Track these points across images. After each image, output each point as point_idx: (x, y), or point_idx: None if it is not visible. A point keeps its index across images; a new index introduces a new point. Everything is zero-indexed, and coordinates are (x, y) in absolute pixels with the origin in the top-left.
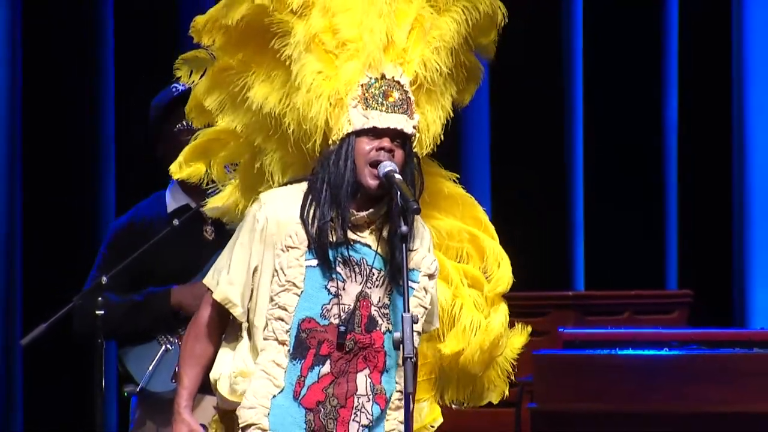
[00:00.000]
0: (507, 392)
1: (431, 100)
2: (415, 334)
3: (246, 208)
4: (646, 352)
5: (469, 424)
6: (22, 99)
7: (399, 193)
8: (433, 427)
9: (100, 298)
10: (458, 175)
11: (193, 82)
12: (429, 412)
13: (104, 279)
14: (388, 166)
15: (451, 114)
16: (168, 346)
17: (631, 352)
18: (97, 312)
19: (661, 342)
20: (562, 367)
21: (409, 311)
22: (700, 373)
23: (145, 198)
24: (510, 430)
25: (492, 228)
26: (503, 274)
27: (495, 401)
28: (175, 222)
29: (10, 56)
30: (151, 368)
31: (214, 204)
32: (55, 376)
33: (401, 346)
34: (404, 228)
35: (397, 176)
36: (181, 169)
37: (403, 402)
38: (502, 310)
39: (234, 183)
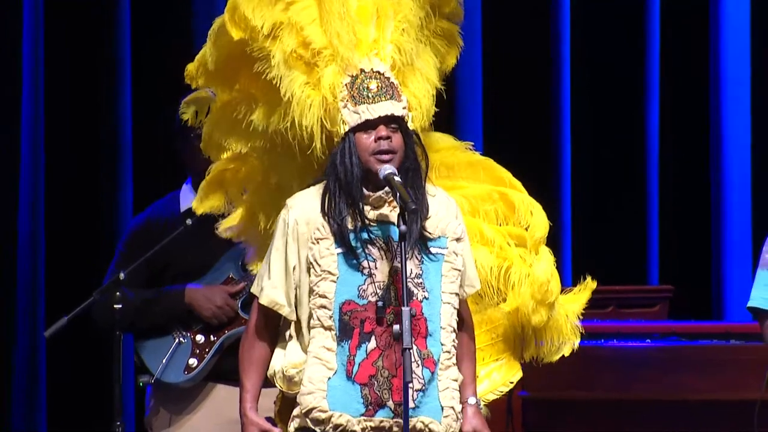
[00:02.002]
0: (576, 346)
1: (416, 76)
2: (452, 296)
3: (269, 226)
4: (630, 344)
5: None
6: (44, 104)
7: (398, 195)
8: (512, 383)
9: (117, 293)
10: (473, 143)
11: (200, 121)
12: (507, 370)
13: (122, 275)
14: (387, 169)
15: (440, 85)
16: (181, 339)
17: (615, 343)
18: (114, 306)
19: (643, 334)
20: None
21: (407, 305)
22: (680, 363)
23: (160, 197)
24: (502, 416)
25: (518, 182)
26: (537, 221)
27: (567, 354)
28: (189, 222)
29: (33, 63)
30: (165, 360)
31: (227, 224)
32: (76, 366)
33: (401, 338)
34: (403, 227)
35: (397, 179)
36: (203, 203)
37: (450, 361)
38: (545, 256)
39: (245, 202)
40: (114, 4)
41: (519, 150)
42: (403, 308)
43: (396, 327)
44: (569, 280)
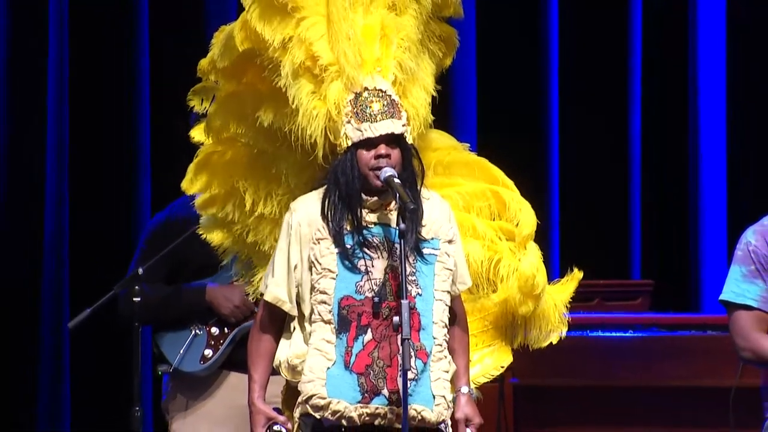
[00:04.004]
0: (564, 334)
1: (415, 86)
2: (444, 294)
3: (256, 203)
4: (613, 334)
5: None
6: (69, 111)
7: (398, 195)
8: (503, 367)
9: (137, 287)
10: (469, 143)
11: (205, 108)
12: (498, 355)
13: (140, 270)
14: (387, 171)
15: (434, 93)
16: (197, 331)
17: (600, 333)
18: (134, 299)
19: (626, 325)
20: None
21: (406, 298)
22: (660, 353)
23: (175, 197)
24: (494, 402)
25: (510, 182)
26: (526, 218)
27: (555, 341)
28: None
29: (58, 70)
30: (182, 351)
31: (202, 198)
32: (98, 356)
33: (400, 329)
34: (402, 225)
35: (396, 180)
36: (192, 183)
37: (442, 353)
38: (533, 251)
39: (229, 184)
40: (132, 10)
41: (511, 153)
42: (402, 301)
43: (396, 318)
44: (557, 274)
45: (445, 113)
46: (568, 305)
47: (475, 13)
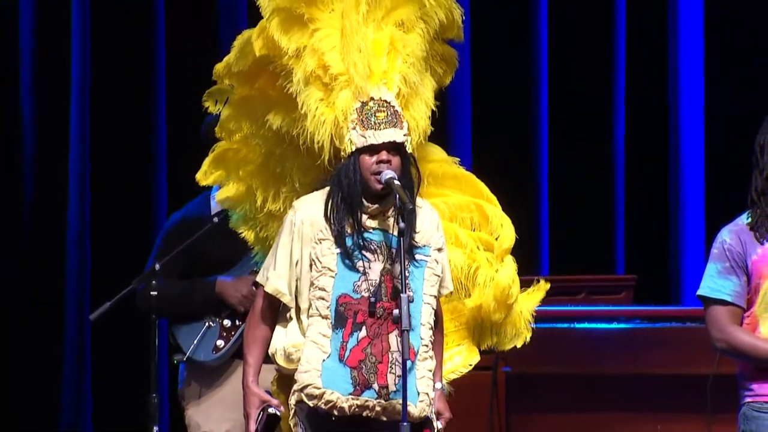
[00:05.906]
0: (528, 339)
1: (417, 100)
2: (431, 298)
3: (266, 200)
4: (599, 326)
5: (452, 385)
6: (90, 119)
7: (397, 196)
8: (471, 365)
9: (154, 282)
10: (458, 158)
11: (219, 110)
12: (467, 354)
13: (157, 266)
14: (388, 174)
15: (434, 107)
16: (210, 323)
17: (586, 325)
18: (151, 293)
19: (611, 317)
20: (531, 338)
21: (406, 292)
22: (643, 343)
23: (190, 197)
24: (487, 390)
25: (494, 197)
26: (506, 233)
27: (519, 345)
28: (215, 220)
29: (81, 83)
30: (196, 341)
31: (223, 195)
32: (118, 346)
33: (400, 321)
34: (402, 225)
35: (396, 182)
36: (206, 176)
37: (427, 354)
38: (509, 264)
39: (243, 179)
40: (149, 17)
41: (501, 153)
42: (401, 295)
43: (396, 312)
44: (546, 270)
45: (443, 124)
46: (552, 301)
47: (470, 26)
